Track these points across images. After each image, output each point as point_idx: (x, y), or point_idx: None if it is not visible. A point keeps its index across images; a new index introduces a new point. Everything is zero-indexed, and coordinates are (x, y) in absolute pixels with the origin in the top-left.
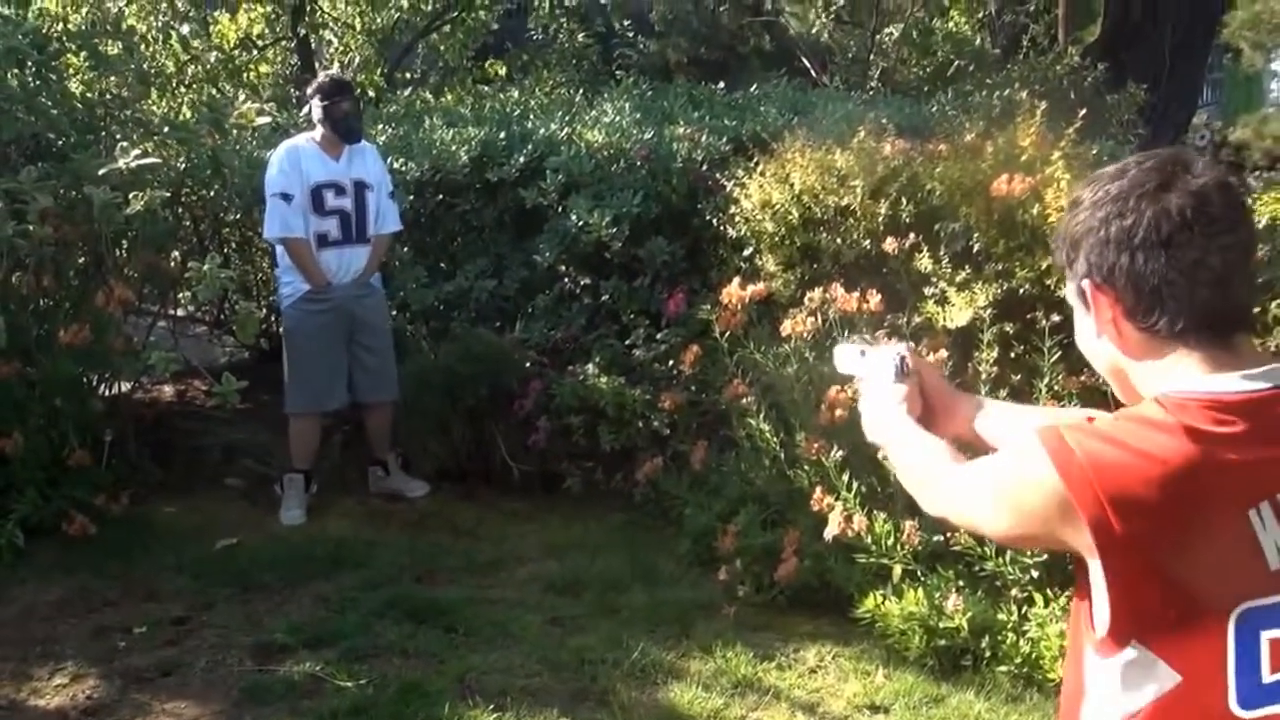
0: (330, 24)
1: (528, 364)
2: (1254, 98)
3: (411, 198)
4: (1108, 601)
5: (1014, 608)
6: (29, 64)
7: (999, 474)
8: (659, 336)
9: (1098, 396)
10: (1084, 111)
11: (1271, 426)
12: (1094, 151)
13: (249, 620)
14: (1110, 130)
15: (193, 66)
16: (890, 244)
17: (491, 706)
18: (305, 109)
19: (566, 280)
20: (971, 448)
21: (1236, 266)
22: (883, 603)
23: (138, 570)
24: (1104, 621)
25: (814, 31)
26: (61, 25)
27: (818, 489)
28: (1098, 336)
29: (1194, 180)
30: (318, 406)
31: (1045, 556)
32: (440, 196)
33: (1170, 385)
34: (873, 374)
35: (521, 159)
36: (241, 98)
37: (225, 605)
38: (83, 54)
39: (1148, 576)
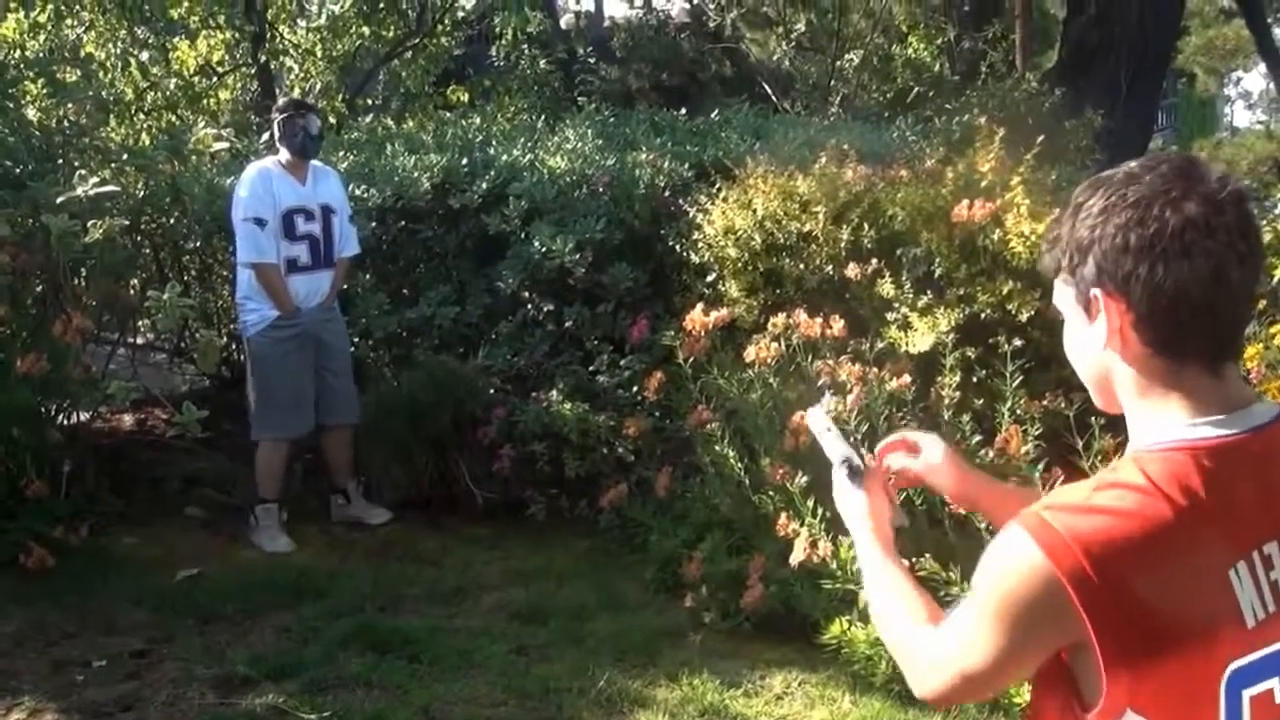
0: (291, 51)
1: (491, 391)
2: (1208, 122)
3: (373, 224)
4: (1102, 674)
5: None
6: None
7: (979, 584)
8: (623, 363)
9: (1060, 420)
10: (1042, 137)
11: (1243, 476)
12: (1053, 177)
13: (210, 652)
14: (1068, 155)
15: (152, 93)
16: (852, 269)
17: None
18: (266, 134)
19: (529, 306)
20: None
21: (1252, 279)
22: (849, 629)
23: (97, 602)
24: (1095, 699)
25: (775, 58)
26: (19, 52)
27: (783, 515)
28: (1104, 347)
29: (1213, 189)
30: (287, 433)
31: None
32: (402, 223)
33: (1153, 433)
34: (835, 466)
35: (484, 185)
36: (201, 124)
37: (186, 637)
38: (40, 81)
39: (1139, 641)
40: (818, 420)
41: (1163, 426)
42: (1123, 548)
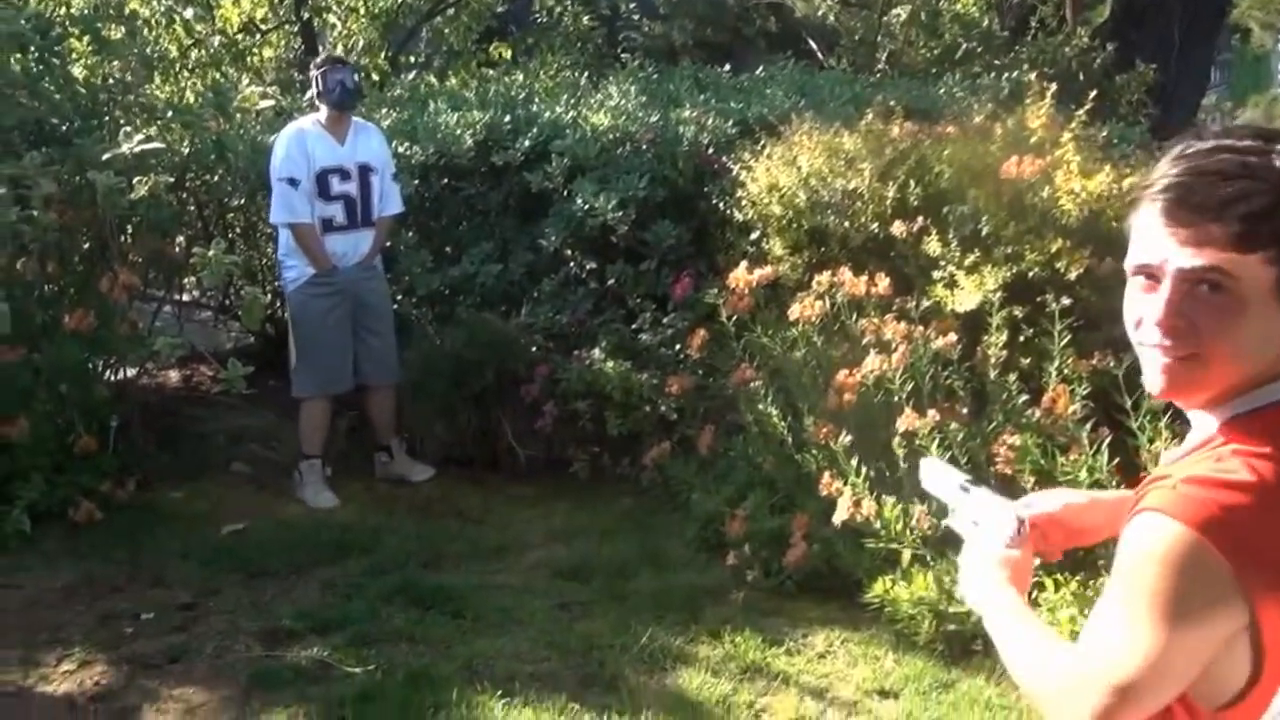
0: (333, 7)
1: (534, 349)
2: (1262, 79)
3: (416, 182)
4: (1262, 649)
5: None
6: (32, 49)
7: (1117, 583)
8: (666, 321)
9: (1108, 379)
10: (1094, 93)
11: None
12: (1104, 133)
13: (256, 606)
14: (1120, 111)
15: (196, 50)
16: (898, 227)
17: (499, 692)
18: (308, 92)
19: (572, 264)
20: None
21: None
22: (892, 587)
23: (145, 556)
24: (1239, 688)
25: (820, 14)
26: (64, 10)
27: (826, 473)
28: None
29: None
30: (327, 390)
31: None
32: (445, 180)
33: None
34: (980, 525)
35: (527, 143)
36: (245, 82)
37: (232, 591)
38: (86, 38)
39: None
40: (944, 477)
41: None
42: (1257, 508)
